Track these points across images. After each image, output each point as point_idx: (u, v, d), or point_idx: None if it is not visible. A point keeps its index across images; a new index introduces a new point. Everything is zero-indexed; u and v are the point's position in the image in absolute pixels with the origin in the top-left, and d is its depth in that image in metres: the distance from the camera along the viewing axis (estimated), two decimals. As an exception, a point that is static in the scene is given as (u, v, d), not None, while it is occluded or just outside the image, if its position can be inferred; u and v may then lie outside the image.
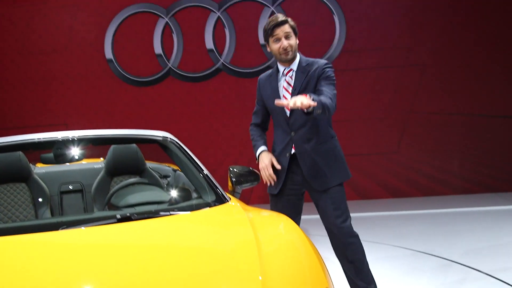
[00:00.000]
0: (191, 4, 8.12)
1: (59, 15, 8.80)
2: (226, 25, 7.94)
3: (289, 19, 3.00)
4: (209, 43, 8.01)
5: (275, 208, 3.11)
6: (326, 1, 7.70)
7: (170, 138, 3.02)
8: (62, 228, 2.19)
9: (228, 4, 7.96)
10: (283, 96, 3.02)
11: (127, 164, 3.27)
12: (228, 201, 2.58)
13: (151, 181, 3.24)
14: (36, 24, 8.88)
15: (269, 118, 3.25)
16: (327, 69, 3.00)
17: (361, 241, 3.09)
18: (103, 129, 3.07)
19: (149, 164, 3.78)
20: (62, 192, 3.45)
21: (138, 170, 3.32)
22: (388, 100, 7.71)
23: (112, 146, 3.24)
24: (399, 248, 5.05)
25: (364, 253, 3.07)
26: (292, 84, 3.01)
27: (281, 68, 3.09)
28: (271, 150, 3.16)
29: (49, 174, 3.60)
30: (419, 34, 7.80)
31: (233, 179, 2.85)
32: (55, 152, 2.95)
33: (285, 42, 2.95)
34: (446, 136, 7.86)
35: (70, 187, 3.51)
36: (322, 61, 3.05)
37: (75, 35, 8.69)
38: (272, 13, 7.70)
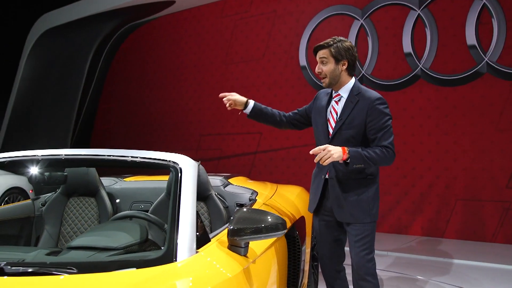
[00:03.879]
0: (389, 3, 7.26)
1: (259, 23, 8.81)
2: (427, 24, 6.87)
3: (335, 44, 2.88)
4: (407, 47, 7.04)
5: (315, 226, 3.09)
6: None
7: (173, 163, 2.39)
8: None
9: (429, 0, 6.88)
10: (328, 120, 2.95)
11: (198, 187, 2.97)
12: (174, 261, 1.88)
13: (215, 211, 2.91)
14: (238, 33, 9.05)
15: (299, 123, 3.23)
16: (378, 107, 2.79)
17: None
18: (109, 149, 2.62)
19: (232, 188, 3.52)
20: None
21: (201, 195, 3.02)
22: None
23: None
24: None
25: None
26: (338, 112, 2.90)
27: (333, 91, 3.00)
28: (314, 169, 3.10)
29: (125, 191, 3.52)
30: None
31: (230, 227, 2.06)
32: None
33: (317, 68, 2.92)
34: None
35: (142, 206, 3.38)
36: (374, 95, 2.84)
37: (272, 42, 8.59)
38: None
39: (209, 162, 9.26)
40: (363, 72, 7.42)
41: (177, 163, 2.40)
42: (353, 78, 2.96)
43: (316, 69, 2.93)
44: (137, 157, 2.50)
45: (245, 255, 2.16)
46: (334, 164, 2.83)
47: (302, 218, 3.64)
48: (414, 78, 6.97)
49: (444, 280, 4.71)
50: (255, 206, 3.09)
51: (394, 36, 7.20)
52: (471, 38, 6.54)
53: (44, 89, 11.79)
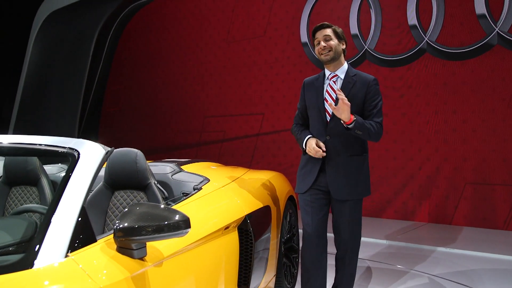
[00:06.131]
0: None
1: (261, -3, 8.34)
2: (433, -7, 6.31)
3: (334, 26, 3.08)
4: (412, 19, 6.51)
5: (303, 207, 3.15)
6: None
7: (71, 150, 2.04)
8: None
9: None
10: (325, 99, 3.07)
11: (128, 177, 2.80)
12: (31, 268, 1.56)
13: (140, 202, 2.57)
14: (240, 9, 8.63)
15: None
16: (375, 87, 3.05)
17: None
18: (9, 135, 2.24)
19: (181, 176, 3.29)
20: None
21: (140, 185, 2.81)
22: None
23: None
24: None
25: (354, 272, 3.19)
26: (337, 90, 2.99)
27: (327, 72, 3.15)
28: (303, 155, 3.22)
29: None
30: None
31: (117, 225, 1.73)
32: None
33: (322, 43, 3.04)
34: None
35: None
36: (370, 76, 3.08)
37: (273, 18, 8.14)
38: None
39: (212, 145, 8.95)
40: (366, 47, 6.92)
41: (76, 150, 2.05)
42: (346, 62, 3.14)
43: (321, 45, 3.02)
44: (31, 144, 2.15)
45: (140, 258, 1.83)
46: (333, 145, 3.02)
47: (266, 208, 3.32)
48: (420, 52, 6.45)
49: (440, 274, 4.30)
50: (198, 196, 2.81)
51: (398, 8, 6.67)
52: (480, 6, 5.97)
53: (52, 72, 11.63)
